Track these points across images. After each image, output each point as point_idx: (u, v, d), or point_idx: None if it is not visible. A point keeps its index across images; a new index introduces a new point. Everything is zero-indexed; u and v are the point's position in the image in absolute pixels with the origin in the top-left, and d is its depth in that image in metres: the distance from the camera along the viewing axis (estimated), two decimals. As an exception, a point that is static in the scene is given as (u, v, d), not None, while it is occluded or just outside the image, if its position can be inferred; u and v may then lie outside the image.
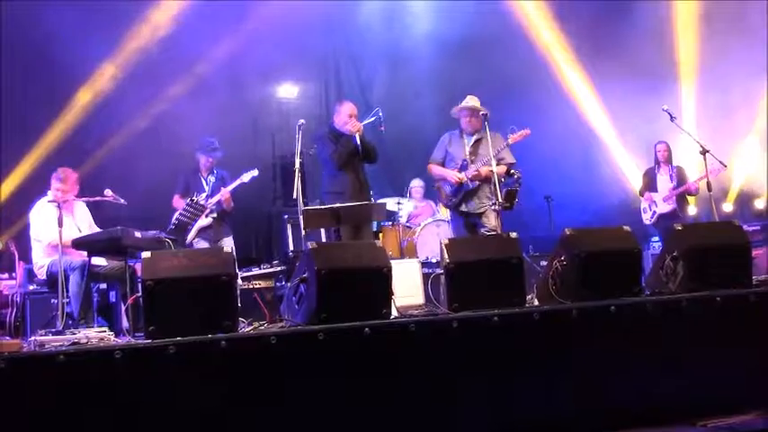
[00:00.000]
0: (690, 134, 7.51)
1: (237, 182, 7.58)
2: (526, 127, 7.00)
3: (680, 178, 8.99)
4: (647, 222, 9.19)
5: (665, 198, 9.00)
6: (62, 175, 6.41)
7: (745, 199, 10.78)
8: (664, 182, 9.08)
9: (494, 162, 6.66)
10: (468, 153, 7.03)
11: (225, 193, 7.48)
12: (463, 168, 7.02)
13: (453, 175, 7.04)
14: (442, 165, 7.23)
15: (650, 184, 9.23)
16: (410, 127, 10.13)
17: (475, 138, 7.06)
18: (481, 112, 6.89)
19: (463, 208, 7.05)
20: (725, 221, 6.21)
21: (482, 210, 6.97)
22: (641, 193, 9.36)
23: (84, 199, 6.55)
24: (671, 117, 7.22)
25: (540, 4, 10.85)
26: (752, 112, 10.45)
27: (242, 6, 9.50)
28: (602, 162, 11.08)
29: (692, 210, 9.33)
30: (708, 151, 7.01)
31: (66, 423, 3.57)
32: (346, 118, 6.74)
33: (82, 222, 6.58)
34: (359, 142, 6.71)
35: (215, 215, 7.50)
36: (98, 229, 6.47)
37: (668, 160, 9.13)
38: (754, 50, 9.72)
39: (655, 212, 9.09)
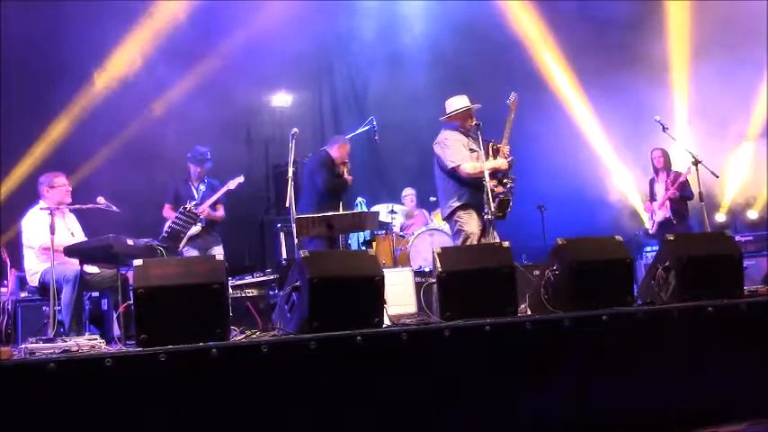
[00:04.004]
0: (681, 144, 7.53)
1: (224, 189, 7.59)
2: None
3: (674, 183, 8.66)
4: (651, 231, 9.03)
5: (659, 206, 8.82)
6: (58, 176, 6.44)
7: (737, 209, 10.80)
8: (661, 189, 8.85)
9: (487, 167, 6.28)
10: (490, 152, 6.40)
11: (212, 200, 7.49)
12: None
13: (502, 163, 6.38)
14: None
15: (651, 193, 9.05)
16: (404, 135, 10.14)
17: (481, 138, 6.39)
18: (474, 122, 6.48)
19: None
20: (717, 232, 6.23)
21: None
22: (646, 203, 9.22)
23: (76, 206, 6.52)
24: (663, 128, 7.21)
25: (534, 17, 10.88)
26: (745, 121, 10.49)
27: (236, 15, 9.51)
28: (595, 171, 11.09)
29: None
30: (700, 162, 7.01)
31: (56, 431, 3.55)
32: (345, 156, 7.44)
33: (74, 226, 6.57)
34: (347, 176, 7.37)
35: (203, 224, 7.49)
36: (85, 237, 6.45)
37: (666, 167, 8.82)
38: (745, 56, 9.75)
39: (654, 221, 8.93)
